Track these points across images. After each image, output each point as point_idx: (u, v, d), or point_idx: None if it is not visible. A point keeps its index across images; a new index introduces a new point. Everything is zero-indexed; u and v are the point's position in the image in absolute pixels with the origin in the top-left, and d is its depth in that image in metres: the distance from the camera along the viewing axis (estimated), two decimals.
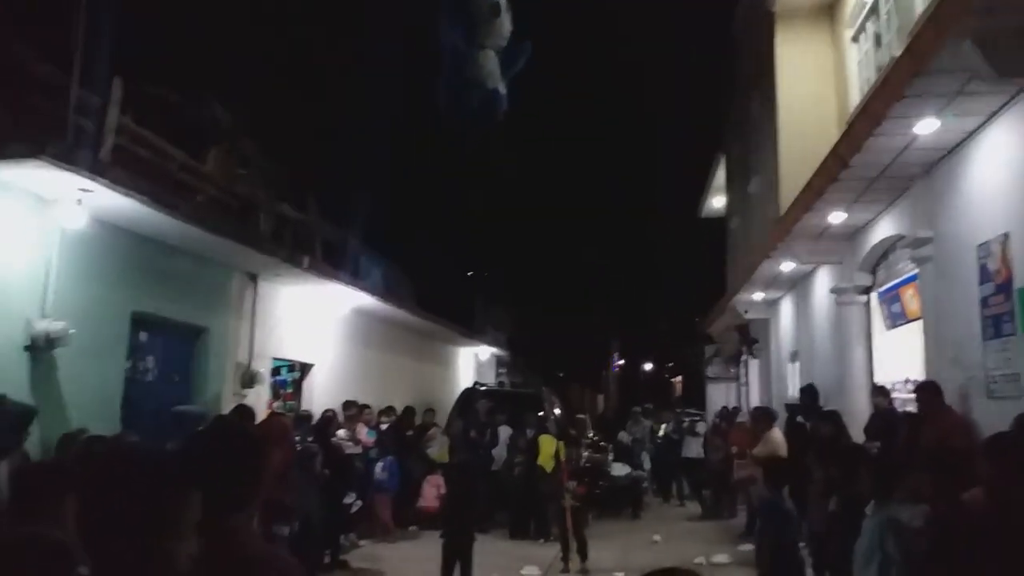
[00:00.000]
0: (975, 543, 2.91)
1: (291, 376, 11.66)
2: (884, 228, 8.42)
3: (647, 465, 14.91)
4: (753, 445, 9.88)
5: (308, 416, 9.61)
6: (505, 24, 4.04)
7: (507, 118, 4.41)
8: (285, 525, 6.87)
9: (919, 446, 5.88)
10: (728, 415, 14.36)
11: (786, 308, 13.53)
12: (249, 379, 9.64)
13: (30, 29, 6.73)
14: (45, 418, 6.38)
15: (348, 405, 10.55)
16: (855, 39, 10.73)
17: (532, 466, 11.01)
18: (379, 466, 10.42)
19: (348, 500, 9.08)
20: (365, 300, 12.11)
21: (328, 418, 9.46)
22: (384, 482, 10.44)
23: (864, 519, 3.92)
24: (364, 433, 10.54)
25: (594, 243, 39.21)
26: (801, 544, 5.90)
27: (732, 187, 17.93)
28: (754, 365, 16.85)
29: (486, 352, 20.92)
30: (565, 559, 8.95)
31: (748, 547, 9.57)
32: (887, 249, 8.81)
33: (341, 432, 9.74)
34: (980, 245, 6.02)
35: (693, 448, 14.41)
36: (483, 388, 14.89)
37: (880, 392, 7.95)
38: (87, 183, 6.20)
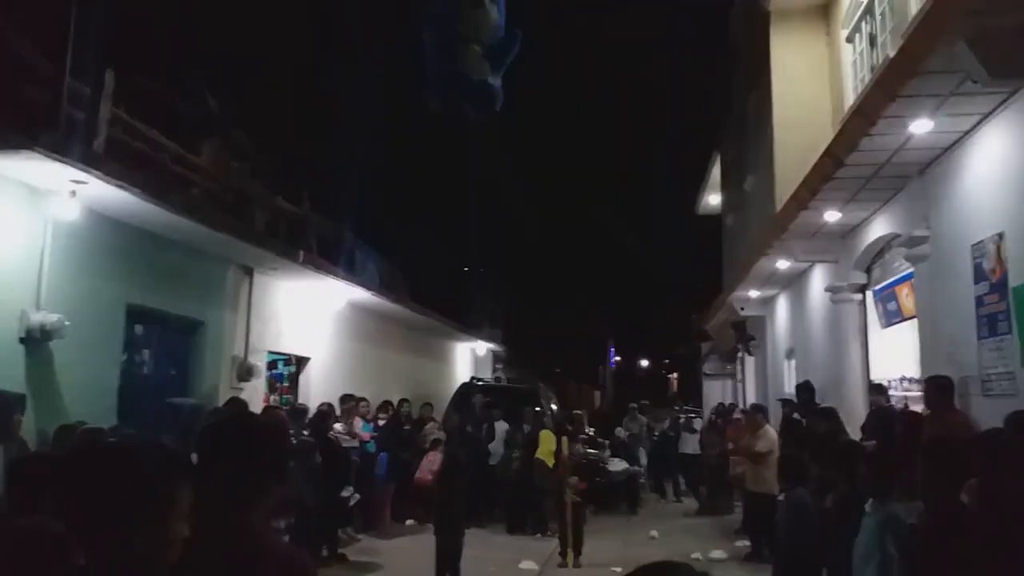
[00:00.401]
0: (967, 539, 2.92)
1: (287, 370, 11.64)
2: (879, 227, 8.43)
3: (644, 461, 14.96)
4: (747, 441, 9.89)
5: (304, 410, 9.60)
6: (491, 16, 3.90)
7: (506, 117, 4.33)
8: (282, 519, 6.87)
9: (918, 443, 5.88)
10: (724, 412, 14.41)
11: (782, 305, 13.55)
12: (245, 372, 9.62)
13: (23, 20, 6.68)
14: (41, 410, 6.39)
15: (346, 399, 10.52)
16: (850, 39, 10.74)
17: (529, 461, 11.02)
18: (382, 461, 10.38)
19: (345, 494, 9.08)
20: (361, 295, 12.10)
21: (324, 412, 9.46)
22: (381, 477, 10.43)
23: (863, 516, 3.92)
24: (360, 427, 10.53)
25: (591, 239, 39.27)
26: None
27: (728, 185, 17.93)
28: (750, 362, 16.87)
29: (483, 348, 20.91)
30: (564, 553, 8.97)
31: (744, 543, 9.61)
32: (882, 248, 8.83)
33: (338, 426, 9.73)
34: (975, 244, 6.03)
35: (690, 444, 14.45)
36: (480, 383, 14.89)
37: (878, 390, 7.97)
38: (80, 175, 6.17)
